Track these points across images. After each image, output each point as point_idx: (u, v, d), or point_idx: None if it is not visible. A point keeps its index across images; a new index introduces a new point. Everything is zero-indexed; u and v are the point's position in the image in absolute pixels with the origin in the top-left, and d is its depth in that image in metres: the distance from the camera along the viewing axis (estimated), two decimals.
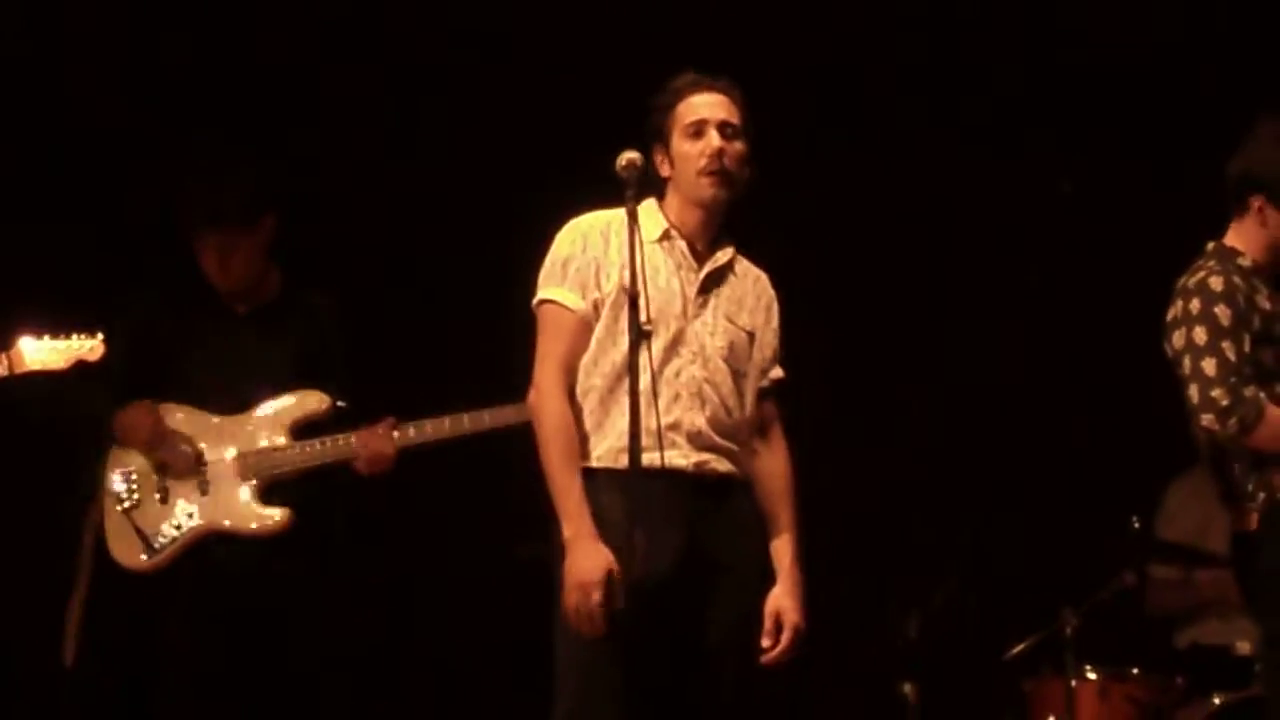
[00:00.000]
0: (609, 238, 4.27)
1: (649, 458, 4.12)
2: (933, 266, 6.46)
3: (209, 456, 4.98)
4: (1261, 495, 4.53)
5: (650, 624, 4.12)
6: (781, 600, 4.31)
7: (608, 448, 4.22)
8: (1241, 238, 4.62)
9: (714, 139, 4.26)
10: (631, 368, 4.06)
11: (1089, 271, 6.42)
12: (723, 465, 4.30)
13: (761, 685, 4.35)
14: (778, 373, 4.48)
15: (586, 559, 4.06)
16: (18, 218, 5.76)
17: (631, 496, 4.09)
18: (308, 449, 4.95)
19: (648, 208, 4.32)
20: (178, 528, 4.98)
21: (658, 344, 4.22)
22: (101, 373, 4.95)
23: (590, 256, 4.27)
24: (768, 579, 4.35)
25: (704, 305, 4.30)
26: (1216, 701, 5.50)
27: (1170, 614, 6.12)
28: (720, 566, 4.24)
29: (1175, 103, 6.24)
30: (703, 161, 4.26)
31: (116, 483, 5.03)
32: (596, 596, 4.03)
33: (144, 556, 4.98)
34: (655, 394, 4.19)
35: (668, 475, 4.17)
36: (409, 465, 4.98)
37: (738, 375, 4.35)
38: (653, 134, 4.34)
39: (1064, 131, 6.34)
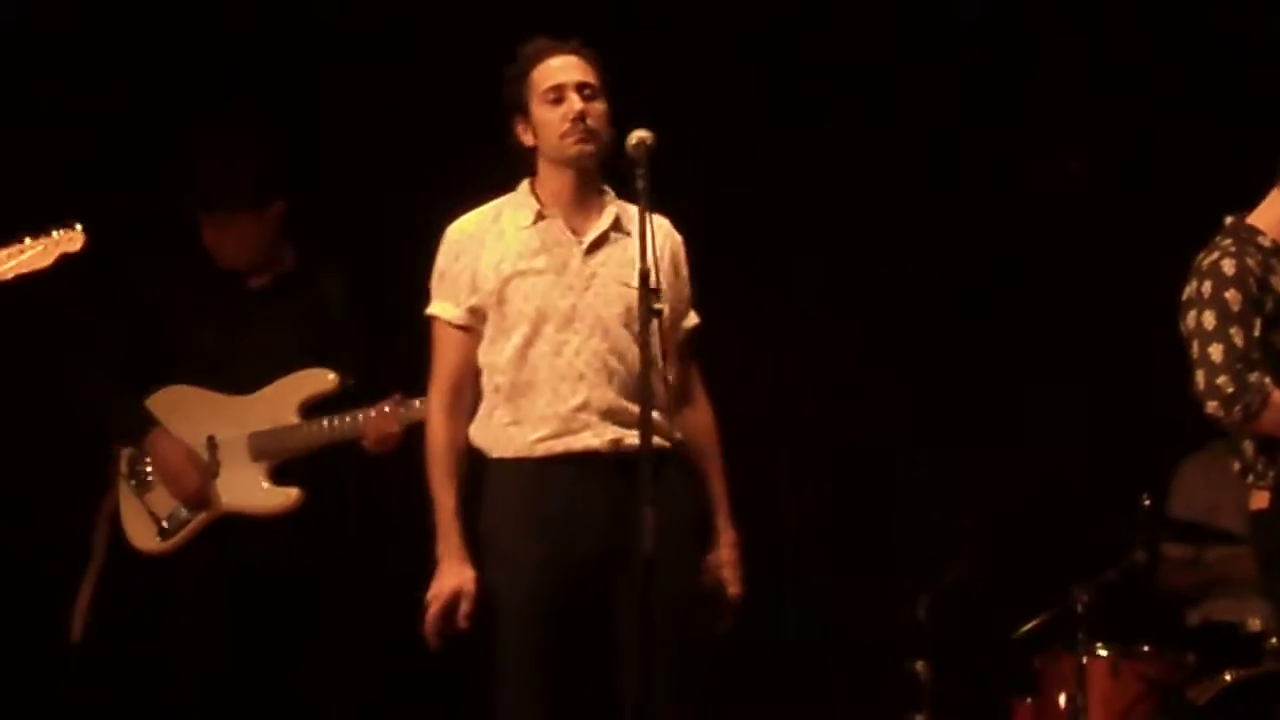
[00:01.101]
0: (481, 239, 4.26)
1: (563, 443, 4.17)
2: (946, 247, 6.44)
3: (220, 437, 5.00)
4: (1271, 474, 4.52)
5: (580, 613, 4.16)
6: (719, 571, 4.31)
7: (524, 439, 4.21)
8: (1267, 215, 4.57)
9: (575, 102, 4.21)
10: (643, 347, 4.02)
11: (1098, 248, 6.40)
12: (639, 440, 4.19)
13: (710, 664, 4.33)
14: (691, 321, 4.41)
15: (444, 576, 4.17)
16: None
17: (550, 486, 4.17)
18: (316, 428, 4.97)
19: (522, 191, 4.31)
20: (191, 511, 4.99)
21: (551, 326, 4.21)
22: (103, 359, 5.03)
23: (462, 265, 4.26)
24: (707, 544, 4.34)
25: (593, 275, 4.25)
26: (1228, 678, 5.49)
27: (1181, 592, 6.13)
28: (649, 551, 4.16)
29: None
30: (565, 125, 4.22)
31: (129, 466, 5.05)
32: (434, 610, 4.14)
33: (158, 539, 5.02)
34: (560, 378, 4.19)
35: (585, 459, 4.18)
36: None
37: (642, 337, 4.23)
38: (511, 105, 4.30)
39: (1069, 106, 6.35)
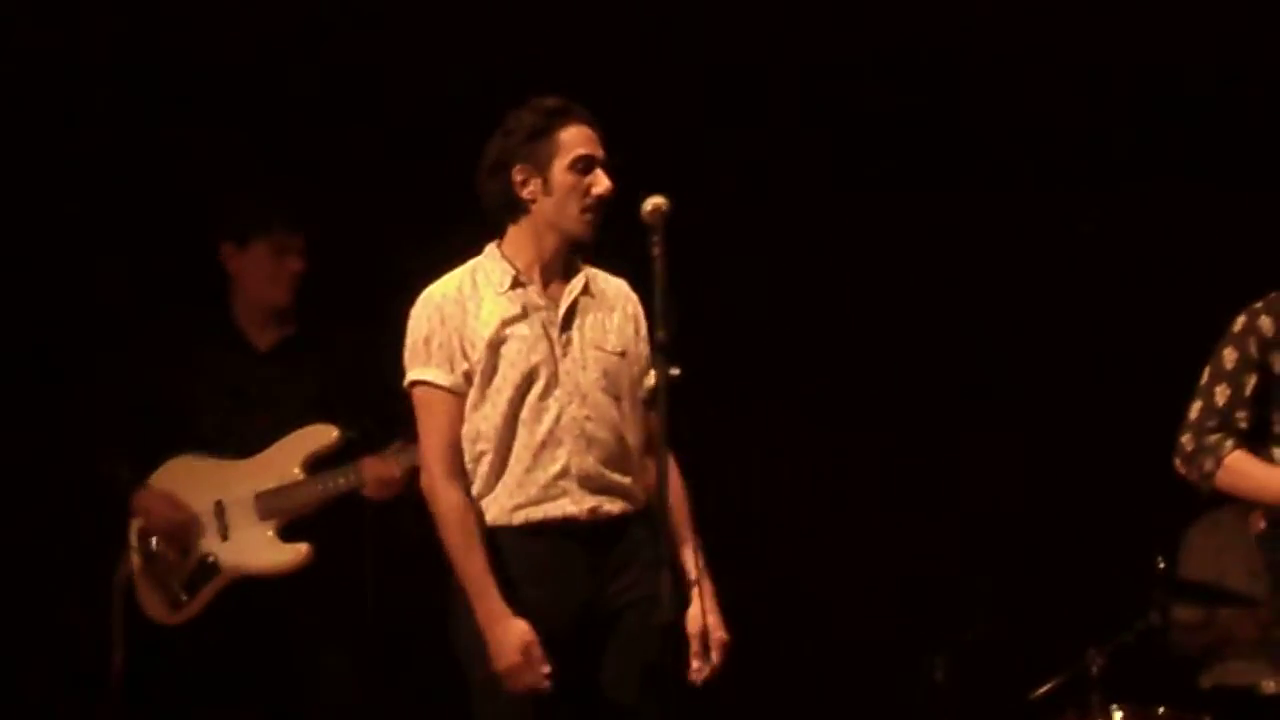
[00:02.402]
0: (464, 305, 4.19)
1: (542, 510, 4.13)
2: (954, 306, 6.45)
3: (226, 501, 4.98)
4: None
5: (559, 683, 4.08)
6: (703, 619, 4.22)
7: (501, 507, 4.16)
8: None
9: (605, 180, 4.16)
10: (662, 414, 3.96)
11: (1114, 308, 6.42)
12: (616, 506, 4.20)
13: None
14: (651, 380, 4.28)
15: (503, 641, 4.03)
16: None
17: (528, 557, 4.11)
18: (321, 482, 4.93)
19: (491, 255, 4.23)
20: (202, 576, 4.97)
21: (533, 393, 4.16)
22: (118, 426, 5.04)
23: (451, 329, 4.18)
24: (679, 602, 4.18)
25: (570, 341, 4.20)
26: None
27: (1194, 654, 6.06)
28: (623, 617, 4.17)
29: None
30: (590, 200, 4.15)
31: (139, 537, 5.04)
32: (527, 663, 4.01)
33: (172, 610, 4.99)
34: (541, 445, 4.14)
35: (562, 526, 4.13)
36: None
37: (620, 402, 4.25)
38: (517, 155, 4.17)
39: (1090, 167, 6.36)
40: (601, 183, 4.14)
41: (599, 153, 4.17)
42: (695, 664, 4.16)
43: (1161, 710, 5.53)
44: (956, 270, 6.41)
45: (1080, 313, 6.43)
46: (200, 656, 4.99)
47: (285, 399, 5.02)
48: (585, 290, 4.25)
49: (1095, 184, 6.35)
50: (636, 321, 4.30)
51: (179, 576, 4.99)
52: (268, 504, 4.95)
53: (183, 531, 4.97)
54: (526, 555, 4.12)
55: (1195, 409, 4.51)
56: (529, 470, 4.13)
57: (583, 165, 4.14)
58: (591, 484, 4.14)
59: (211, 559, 4.97)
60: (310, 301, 5.14)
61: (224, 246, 5.08)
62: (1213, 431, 4.49)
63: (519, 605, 4.08)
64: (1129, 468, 6.21)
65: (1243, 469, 4.47)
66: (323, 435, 4.99)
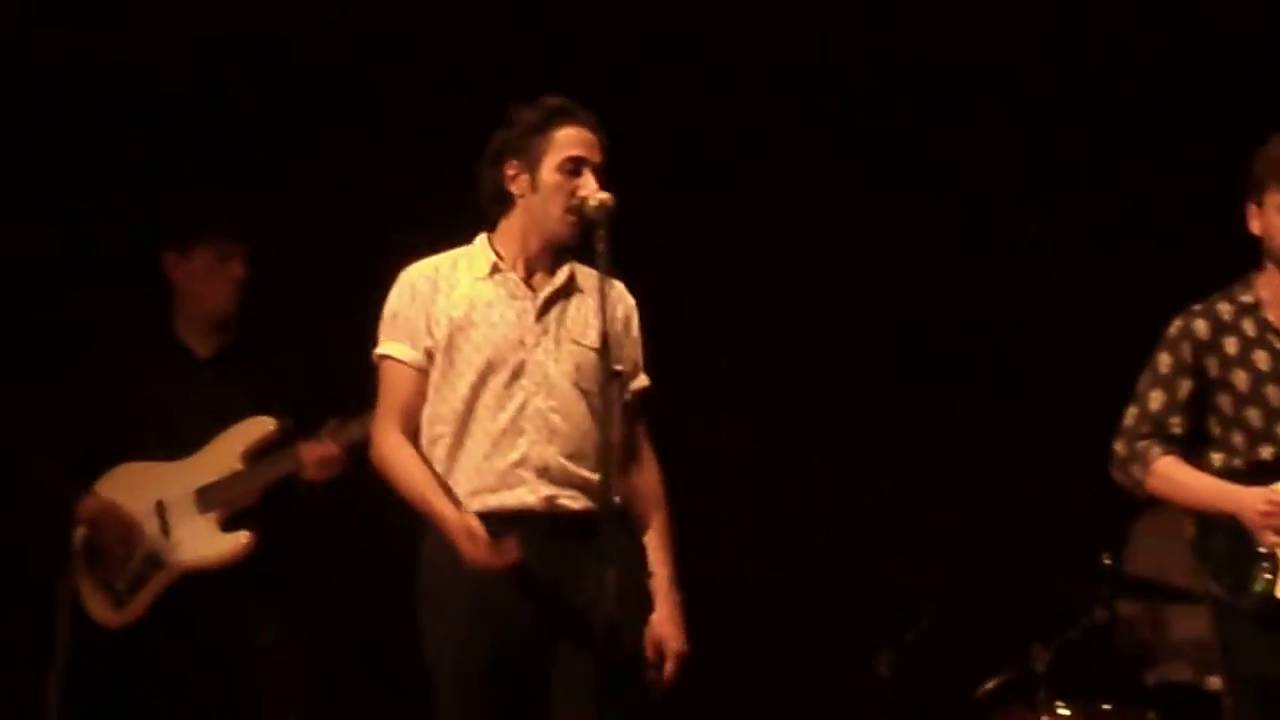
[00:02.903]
0: (437, 284, 4.22)
1: (498, 498, 4.12)
2: (908, 309, 6.49)
3: (166, 499, 5.02)
4: None
5: (516, 677, 4.11)
6: (662, 628, 4.22)
7: (461, 493, 4.15)
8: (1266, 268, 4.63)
9: (592, 183, 4.16)
10: (604, 408, 4.01)
11: (1059, 309, 6.44)
12: (578, 502, 4.17)
13: None
14: (640, 383, 4.35)
15: (460, 535, 4.02)
16: None
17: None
18: (260, 469, 4.98)
19: (479, 244, 4.26)
20: (145, 576, 5.00)
21: (498, 380, 4.16)
22: (57, 437, 5.07)
23: (419, 306, 4.22)
24: (631, 604, 4.22)
25: (544, 332, 4.20)
26: None
27: (1139, 650, 6.12)
28: (584, 617, 4.12)
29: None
30: (573, 202, 4.16)
31: (83, 545, 5.06)
32: (477, 548, 4.00)
33: (117, 610, 5.01)
34: (501, 432, 4.14)
35: (520, 518, 4.12)
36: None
37: (590, 397, 4.20)
38: (511, 149, 4.22)
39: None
40: (587, 186, 4.13)
41: (593, 157, 4.17)
42: (650, 672, 4.15)
43: (1107, 706, 5.62)
44: (895, 272, 6.46)
45: (1026, 312, 6.46)
46: (144, 661, 5.02)
47: (226, 406, 5.06)
48: (569, 285, 4.23)
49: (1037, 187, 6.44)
50: (628, 323, 4.31)
51: (124, 578, 5.01)
52: (208, 497, 4.99)
53: (126, 535, 5.00)
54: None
55: (1130, 414, 4.59)
56: (487, 457, 4.12)
57: (572, 167, 4.14)
58: (551, 476, 4.13)
59: (154, 556, 5.00)
60: (251, 309, 5.18)
61: (167, 256, 5.13)
62: (1145, 438, 4.57)
63: (473, 595, 4.07)
64: (1074, 464, 6.18)
65: (1170, 475, 4.55)
66: (261, 426, 5.03)
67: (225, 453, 5.02)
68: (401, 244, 4.39)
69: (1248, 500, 4.48)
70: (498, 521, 4.09)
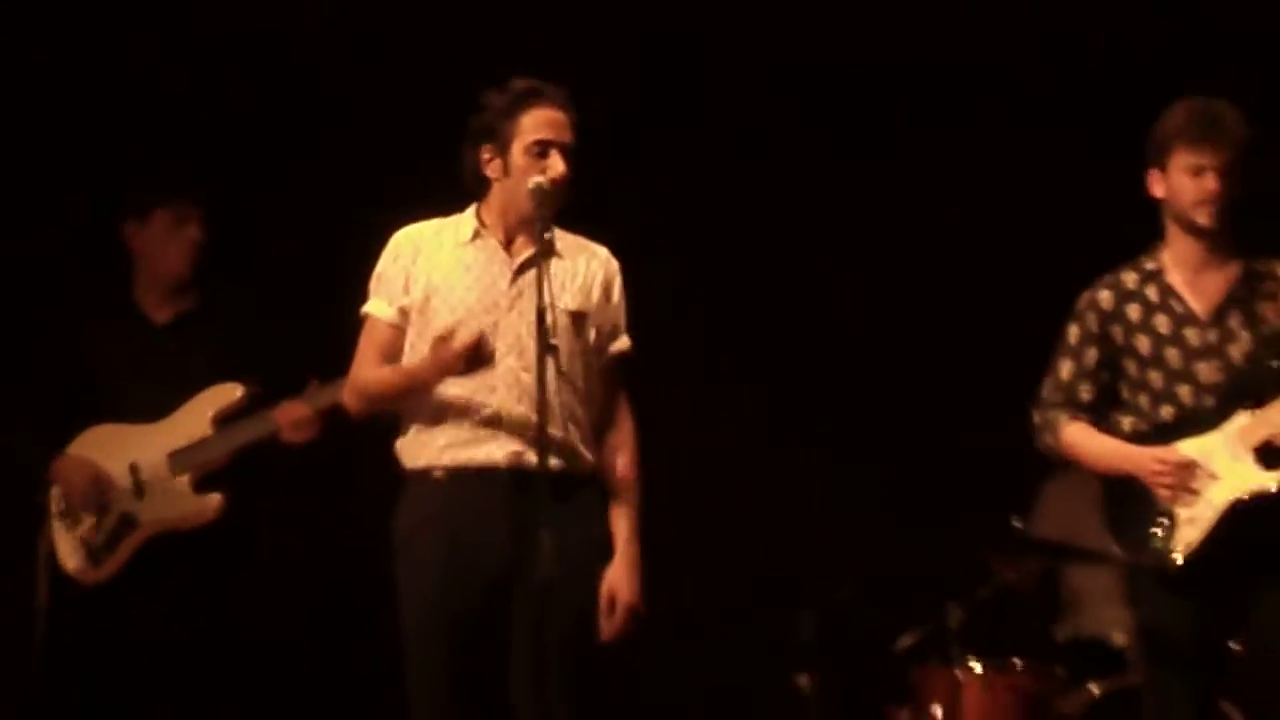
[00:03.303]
0: (420, 247, 4.37)
1: (468, 453, 4.27)
2: (828, 271, 6.54)
3: (141, 462, 5.18)
4: None
5: (484, 626, 4.25)
6: (615, 580, 4.34)
7: (433, 446, 4.31)
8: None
9: (559, 165, 4.28)
10: (539, 378, 4.11)
11: (973, 275, 6.50)
12: (551, 459, 4.23)
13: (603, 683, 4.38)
14: (620, 346, 4.46)
15: (425, 359, 4.24)
16: None
17: (456, 501, 4.27)
18: (231, 433, 5.15)
19: (468, 213, 4.40)
20: (121, 534, 5.16)
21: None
22: (29, 404, 5.24)
23: (399, 267, 4.37)
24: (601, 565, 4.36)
25: (518, 295, 4.30)
26: (1095, 691, 5.65)
27: (1048, 608, 6.14)
28: (549, 571, 4.20)
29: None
30: (541, 179, 4.27)
31: (58, 502, 5.22)
32: (439, 351, 4.20)
33: (94, 567, 5.17)
34: (474, 390, 4.26)
35: (489, 474, 4.26)
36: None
37: (563, 358, 4.30)
38: (484, 133, 4.33)
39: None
40: (553, 168, 4.26)
41: (561, 137, 4.29)
42: (602, 623, 4.30)
43: (1017, 660, 5.73)
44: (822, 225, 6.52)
45: (933, 288, 6.55)
46: (121, 617, 5.18)
47: (185, 370, 5.21)
48: (549, 251, 4.29)
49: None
50: (609, 287, 4.44)
51: (100, 536, 5.17)
52: (180, 460, 5.15)
53: (100, 493, 5.16)
54: (455, 503, 4.26)
55: (1045, 385, 4.74)
56: (461, 412, 4.26)
57: (539, 150, 4.27)
58: (519, 432, 4.25)
59: (129, 516, 5.16)
60: (208, 275, 5.32)
61: (126, 226, 5.29)
62: (1055, 406, 4.73)
63: (448, 553, 4.23)
64: (986, 431, 6.22)
65: (1077, 440, 4.71)
66: (228, 393, 5.20)
67: (195, 418, 5.19)
68: (377, 218, 4.54)
69: (1143, 460, 4.62)
70: (468, 476, 4.25)
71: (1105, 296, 4.72)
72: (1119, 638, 5.84)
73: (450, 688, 4.25)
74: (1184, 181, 4.59)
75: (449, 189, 4.45)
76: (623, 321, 4.48)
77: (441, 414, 4.30)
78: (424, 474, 4.31)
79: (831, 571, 6.03)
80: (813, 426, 6.51)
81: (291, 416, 5.07)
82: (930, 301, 6.57)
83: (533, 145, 4.28)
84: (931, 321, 6.55)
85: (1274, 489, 4.55)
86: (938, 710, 5.67)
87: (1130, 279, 4.73)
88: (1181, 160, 4.58)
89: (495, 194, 4.36)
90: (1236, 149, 4.56)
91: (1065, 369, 4.76)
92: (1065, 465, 5.63)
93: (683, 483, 6.43)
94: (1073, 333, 4.75)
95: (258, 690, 5.43)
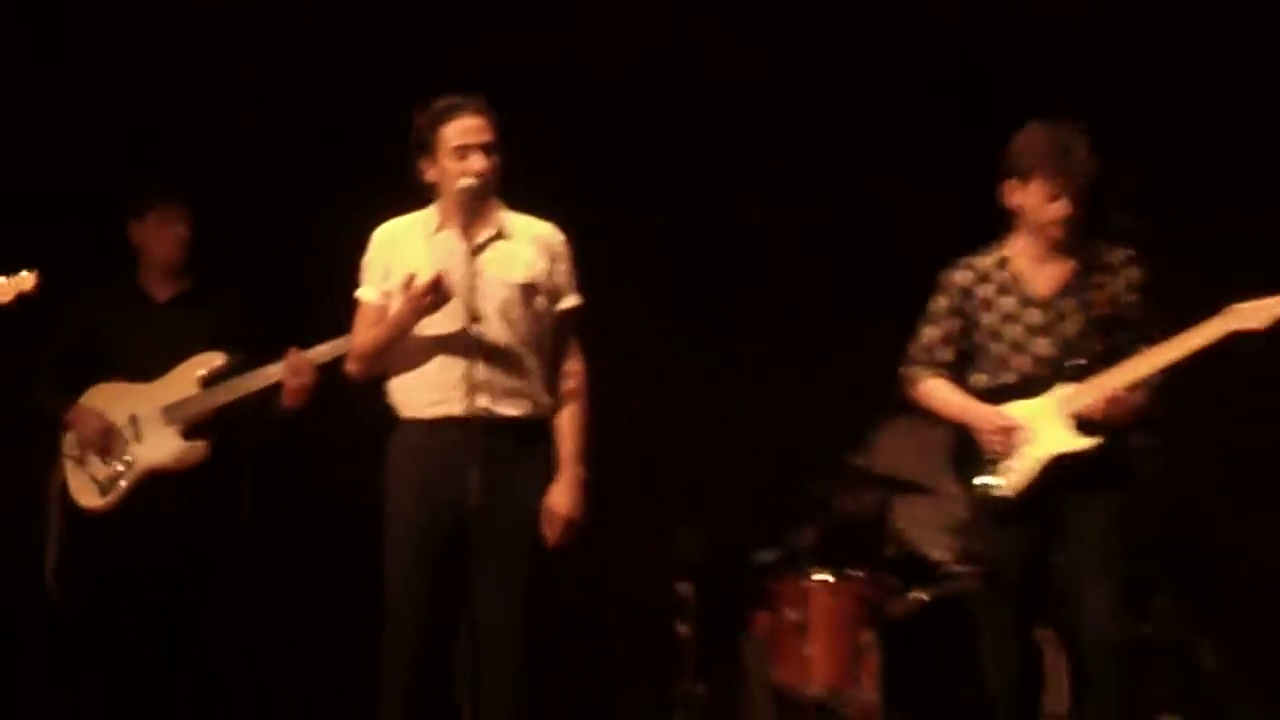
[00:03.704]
0: (397, 239, 4.85)
1: (447, 406, 4.76)
2: (687, 233, 6.90)
3: (139, 414, 5.84)
4: None
5: (453, 539, 4.70)
6: (555, 495, 4.78)
7: (418, 401, 4.81)
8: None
9: (478, 162, 4.75)
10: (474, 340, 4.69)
11: (821, 236, 6.91)
12: (510, 409, 4.74)
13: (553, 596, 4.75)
14: (569, 302, 4.90)
15: (402, 301, 4.65)
16: None
17: (436, 443, 4.75)
18: (214, 390, 5.79)
19: (432, 208, 4.86)
20: (122, 472, 5.82)
21: (448, 311, 4.73)
22: (49, 365, 5.91)
23: (380, 257, 4.86)
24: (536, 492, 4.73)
25: (477, 274, 4.73)
26: (917, 596, 6.18)
27: (881, 529, 6.64)
28: (509, 505, 4.72)
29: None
30: (468, 180, 4.75)
31: (71, 444, 5.89)
32: (411, 297, 4.66)
33: (101, 498, 5.83)
34: (449, 353, 4.74)
35: (465, 421, 4.68)
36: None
37: (517, 324, 4.78)
38: (419, 148, 4.81)
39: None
40: (473, 166, 4.75)
41: (480, 138, 4.77)
42: (545, 531, 4.80)
43: (855, 573, 6.26)
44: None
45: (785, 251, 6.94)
46: (121, 544, 5.82)
47: (180, 339, 5.89)
48: (499, 234, 4.83)
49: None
50: (555, 256, 4.90)
51: (105, 472, 5.83)
52: (172, 413, 5.84)
53: (106, 437, 5.83)
54: (435, 444, 4.75)
55: (912, 346, 5.09)
56: (439, 373, 4.77)
57: (461, 154, 4.78)
58: (489, 388, 4.73)
59: (129, 457, 5.83)
60: (203, 266, 6.01)
61: (130, 225, 6.04)
62: (919, 364, 5.11)
63: (426, 480, 4.71)
64: (831, 378, 6.94)
65: (931, 394, 5.09)
66: (212, 359, 5.88)
67: (186, 378, 5.85)
68: (346, 207, 5.03)
69: (978, 418, 5.00)
70: (447, 425, 4.74)
71: (962, 275, 5.02)
72: (935, 554, 6.40)
73: (424, 579, 4.75)
74: (1041, 203, 4.87)
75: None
76: (568, 282, 4.93)
77: (423, 373, 4.78)
78: (413, 422, 4.83)
79: (708, 499, 6.51)
80: (695, 377, 6.92)
81: (293, 362, 5.52)
82: (767, 270, 6.96)
83: (455, 151, 4.78)
84: (776, 287, 6.93)
85: (1081, 449, 4.88)
86: (791, 614, 6.16)
87: (984, 262, 5.01)
88: (1040, 186, 4.85)
89: (442, 194, 4.87)
90: (1087, 176, 4.82)
91: (928, 334, 5.07)
92: (899, 410, 6.21)
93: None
94: (936, 303, 5.05)
95: (240, 611, 5.95)
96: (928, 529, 6.59)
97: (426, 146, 4.83)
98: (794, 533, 6.26)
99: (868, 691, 6.10)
